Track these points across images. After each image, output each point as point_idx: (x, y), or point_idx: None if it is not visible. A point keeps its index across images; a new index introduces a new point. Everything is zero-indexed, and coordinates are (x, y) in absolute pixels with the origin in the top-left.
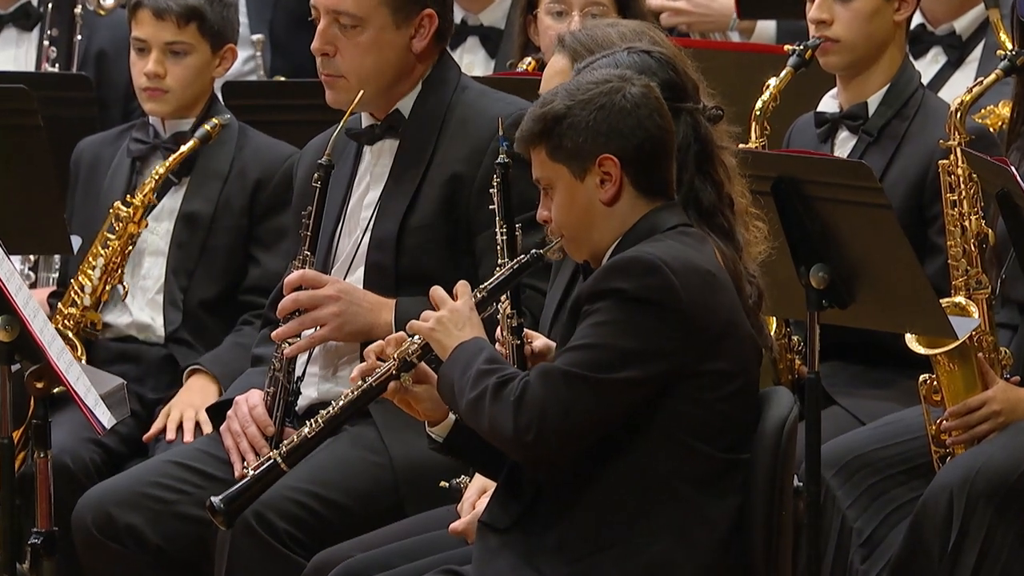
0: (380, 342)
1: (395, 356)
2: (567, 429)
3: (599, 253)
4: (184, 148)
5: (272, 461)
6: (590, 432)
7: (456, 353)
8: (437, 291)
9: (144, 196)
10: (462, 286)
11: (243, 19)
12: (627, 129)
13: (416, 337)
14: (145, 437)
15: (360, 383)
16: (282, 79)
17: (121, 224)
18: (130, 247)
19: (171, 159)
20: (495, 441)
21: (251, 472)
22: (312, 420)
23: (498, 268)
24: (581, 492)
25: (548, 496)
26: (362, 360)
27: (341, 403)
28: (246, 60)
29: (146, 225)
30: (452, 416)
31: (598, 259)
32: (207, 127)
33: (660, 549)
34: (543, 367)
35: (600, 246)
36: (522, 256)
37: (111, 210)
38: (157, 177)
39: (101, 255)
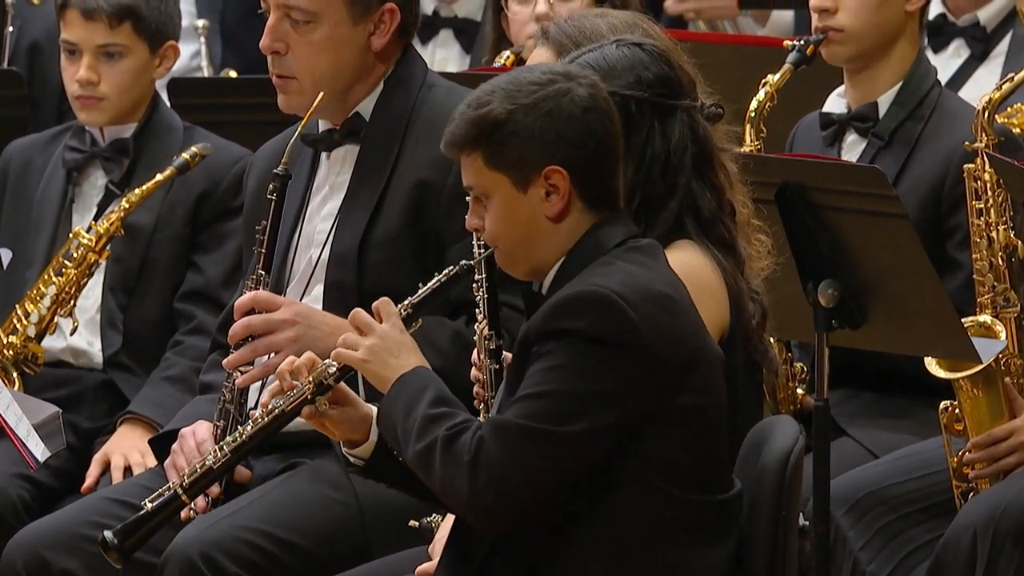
0: (291, 358)
1: (310, 378)
2: (529, 490)
3: (541, 270)
4: (160, 177)
5: (172, 493)
6: (553, 490)
7: (397, 389)
8: (359, 314)
9: (111, 225)
10: (384, 304)
11: (189, 7)
12: (576, 137)
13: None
14: (84, 488)
15: (270, 407)
16: (232, 74)
17: (80, 252)
18: (86, 278)
19: (145, 187)
20: (448, 502)
21: (148, 505)
22: (217, 447)
23: (474, 287)
24: (543, 554)
25: (504, 556)
26: None
27: (249, 430)
28: (192, 55)
29: (108, 255)
30: (374, 437)
31: (539, 275)
32: (186, 156)
33: None
34: (497, 421)
35: (543, 263)
36: (450, 268)
37: (71, 235)
38: (128, 206)
39: (54, 283)
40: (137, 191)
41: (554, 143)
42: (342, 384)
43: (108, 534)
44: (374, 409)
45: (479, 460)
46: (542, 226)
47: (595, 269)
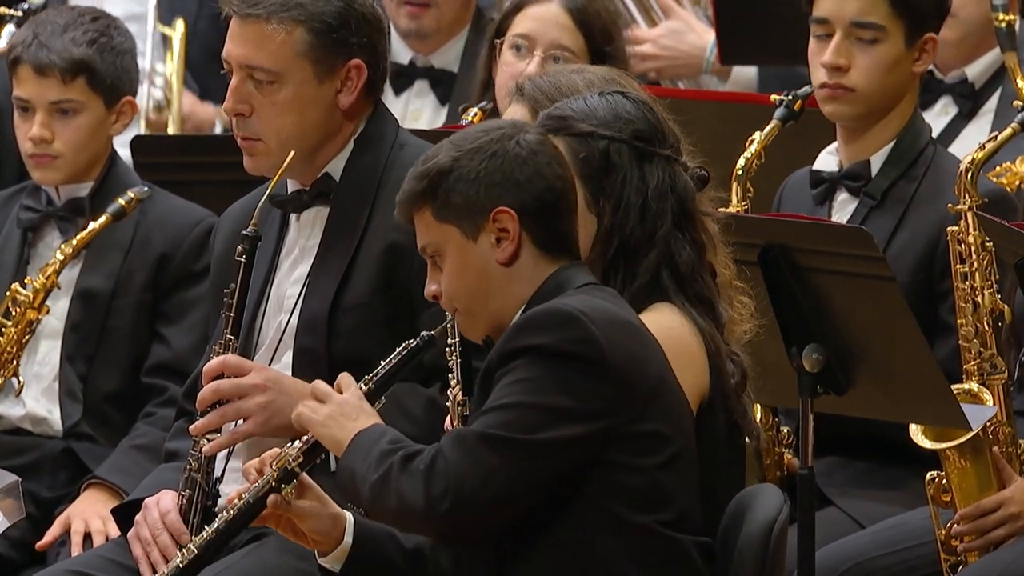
0: (257, 461)
1: (273, 466)
2: (487, 498)
3: (501, 324)
4: (95, 225)
5: None
6: (512, 502)
7: (355, 443)
8: (319, 384)
9: (47, 279)
10: (345, 378)
11: (147, 48)
12: (524, 178)
13: (295, 442)
14: (39, 545)
15: (236, 501)
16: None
17: (19, 309)
18: (28, 336)
19: (79, 238)
20: (404, 522)
21: None
22: (184, 549)
23: (447, 351)
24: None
25: None
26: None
27: (216, 526)
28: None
29: (47, 311)
30: (348, 540)
31: (500, 332)
32: (122, 201)
33: None
34: (457, 432)
35: (502, 316)
36: (410, 341)
37: (7, 293)
38: (63, 258)
39: None
40: (72, 241)
41: (500, 184)
42: (308, 479)
43: None
44: (348, 514)
45: (435, 468)
46: (495, 274)
47: (557, 297)
